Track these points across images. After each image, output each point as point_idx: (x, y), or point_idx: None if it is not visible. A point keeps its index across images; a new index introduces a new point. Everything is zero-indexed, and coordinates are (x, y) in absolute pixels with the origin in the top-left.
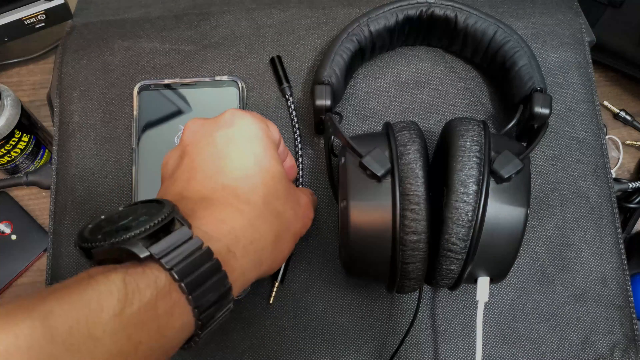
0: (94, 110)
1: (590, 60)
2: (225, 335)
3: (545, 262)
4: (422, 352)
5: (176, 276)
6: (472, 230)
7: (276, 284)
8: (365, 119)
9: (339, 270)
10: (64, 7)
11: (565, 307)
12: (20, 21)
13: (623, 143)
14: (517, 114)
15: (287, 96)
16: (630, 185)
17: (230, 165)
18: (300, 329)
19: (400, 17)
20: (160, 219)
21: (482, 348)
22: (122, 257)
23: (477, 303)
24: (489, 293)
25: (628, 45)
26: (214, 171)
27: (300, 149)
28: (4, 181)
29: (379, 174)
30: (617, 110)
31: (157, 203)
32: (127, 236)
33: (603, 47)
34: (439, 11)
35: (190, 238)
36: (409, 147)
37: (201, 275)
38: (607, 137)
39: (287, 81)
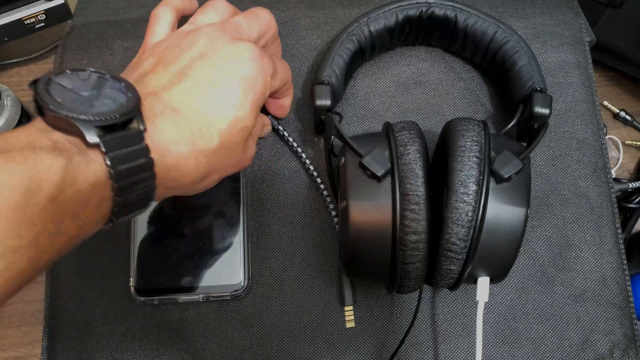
0: None
1: (590, 60)
2: (225, 335)
3: (545, 262)
4: (422, 352)
5: (114, 175)
6: (472, 230)
7: (346, 309)
8: (365, 119)
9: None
10: (64, 7)
11: (565, 307)
12: (20, 21)
13: (623, 143)
14: (517, 114)
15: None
16: (630, 185)
17: (219, 98)
18: (300, 329)
19: (400, 17)
20: (122, 114)
21: (482, 348)
22: (70, 130)
23: (477, 303)
24: (489, 293)
25: (628, 45)
26: (205, 92)
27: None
28: None
29: (379, 174)
30: (617, 110)
31: (127, 90)
32: (85, 118)
33: (603, 47)
34: (439, 11)
35: (140, 142)
36: (409, 147)
37: (135, 181)
38: (607, 137)
39: None
